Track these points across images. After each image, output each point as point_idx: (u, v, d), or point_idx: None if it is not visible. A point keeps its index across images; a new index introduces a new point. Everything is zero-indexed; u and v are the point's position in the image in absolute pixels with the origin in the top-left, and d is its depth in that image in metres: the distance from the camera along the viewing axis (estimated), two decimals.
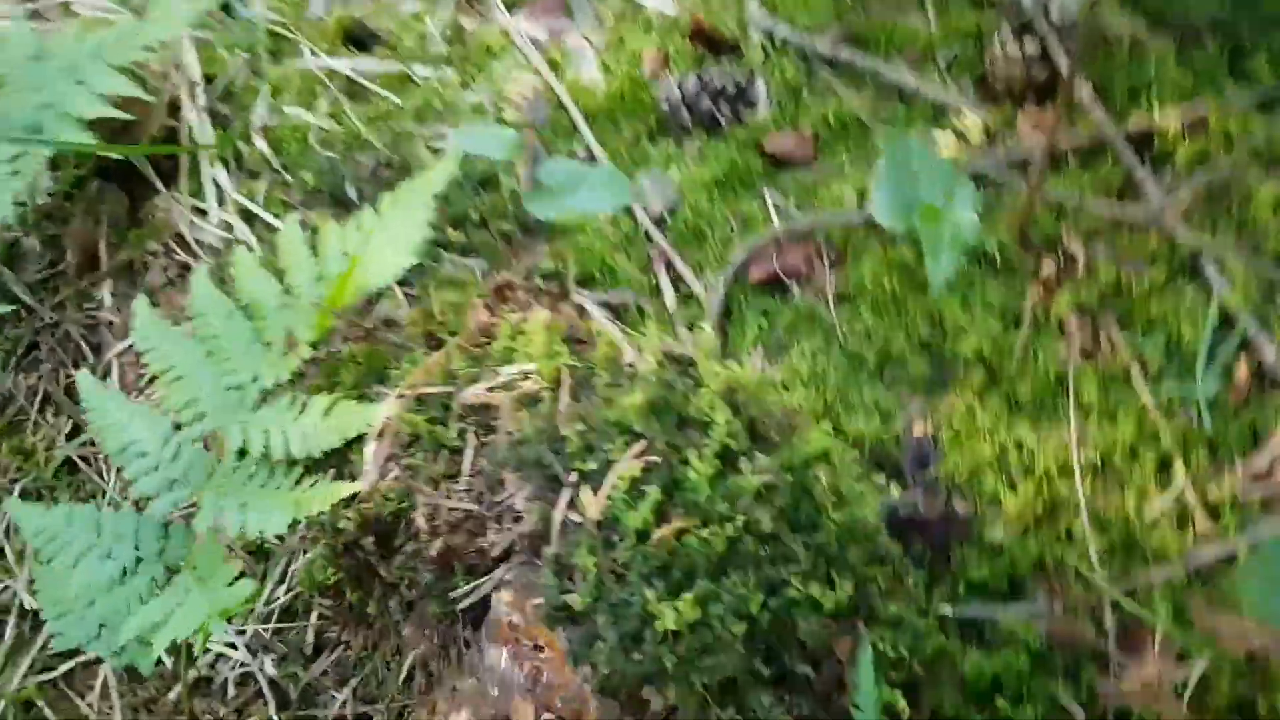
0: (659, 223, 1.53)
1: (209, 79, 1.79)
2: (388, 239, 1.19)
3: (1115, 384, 1.29)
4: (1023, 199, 1.35)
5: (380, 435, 1.08)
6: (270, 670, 1.31)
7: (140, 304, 1.25)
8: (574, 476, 0.98)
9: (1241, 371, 1.26)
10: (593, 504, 0.96)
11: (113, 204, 1.77)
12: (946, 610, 1.21)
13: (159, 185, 1.72)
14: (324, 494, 1.06)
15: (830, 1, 1.67)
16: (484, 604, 1.04)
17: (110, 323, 1.67)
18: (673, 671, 0.92)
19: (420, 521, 1.03)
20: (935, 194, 1.10)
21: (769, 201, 1.50)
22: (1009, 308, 1.35)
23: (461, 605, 1.04)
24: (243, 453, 1.14)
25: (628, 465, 0.96)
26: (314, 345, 1.16)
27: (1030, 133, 1.45)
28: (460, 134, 1.26)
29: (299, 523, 1.09)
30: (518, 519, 0.99)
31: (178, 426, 1.18)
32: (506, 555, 1.00)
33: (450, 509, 1.03)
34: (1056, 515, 1.23)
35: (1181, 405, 1.27)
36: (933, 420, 1.31)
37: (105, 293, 1.70)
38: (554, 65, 1.70)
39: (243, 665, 1.33)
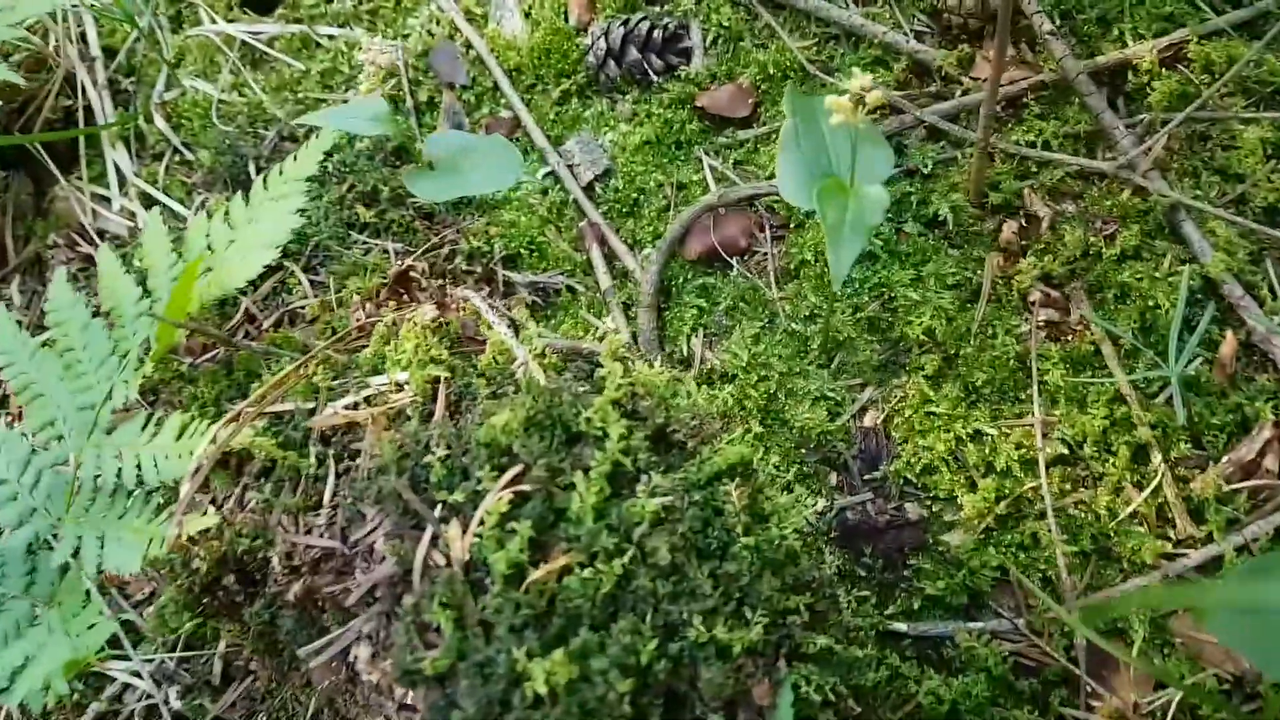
0: (590, 191, 1.31)
1: (108, 52, 1.55)
2: (254, 232, 0.99)
3: (1084, 364, 1.08)
4: (976, 148, 1.12)
5: (196, 470, 0.88)
6: (175, 703, 1.15)
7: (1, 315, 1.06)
8: (439, 510, 0.79)
9: (1227, 347, 1.04)
10: (458, 543, 0.77)
11: (18, 193, 1.55)
12: (901, 626, 1.03)
13: (57, 173, 1.49)
14: (168, 532, 0.88)
15: None
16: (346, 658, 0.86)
17: (19, 322, 1.46)
18: None
19: (277, 563, 0.85)
20: (845, 162, 0.86)
21: (706, 165, 1.27)
22: (965, 280, 1.13)
23: (318, 660, 0.85)
24: (98, 479, 0.96)
25: (497, 497, 0.77)
26: (156, 359, 0.97)
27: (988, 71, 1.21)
28: (326, 112, 1.03)
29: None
30: (381, 559, 0.80)
31: (35, 451, 1.00)
32: (371, 598, 0.81)
33: (309, 546, 0.84)
34: (1020, 517, 1.04)
35: (1160, 386, 1.06)
36: (884, 410, 1.10)
37: (14, 290, 1.49)
38: (473, 17, 1.45)
39: (148, 697, 1.17)
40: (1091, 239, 1.11)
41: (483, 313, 0.96)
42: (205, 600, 0.93)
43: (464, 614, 0.76)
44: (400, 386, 0.89)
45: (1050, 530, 1.01)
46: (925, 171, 1.18)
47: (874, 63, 1.28)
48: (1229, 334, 1.05)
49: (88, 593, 0.97)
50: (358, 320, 0.99)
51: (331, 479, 0.86)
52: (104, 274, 1.05)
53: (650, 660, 0.76)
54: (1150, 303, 1.07)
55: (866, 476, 1.08)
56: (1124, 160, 1.10)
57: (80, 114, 1.52)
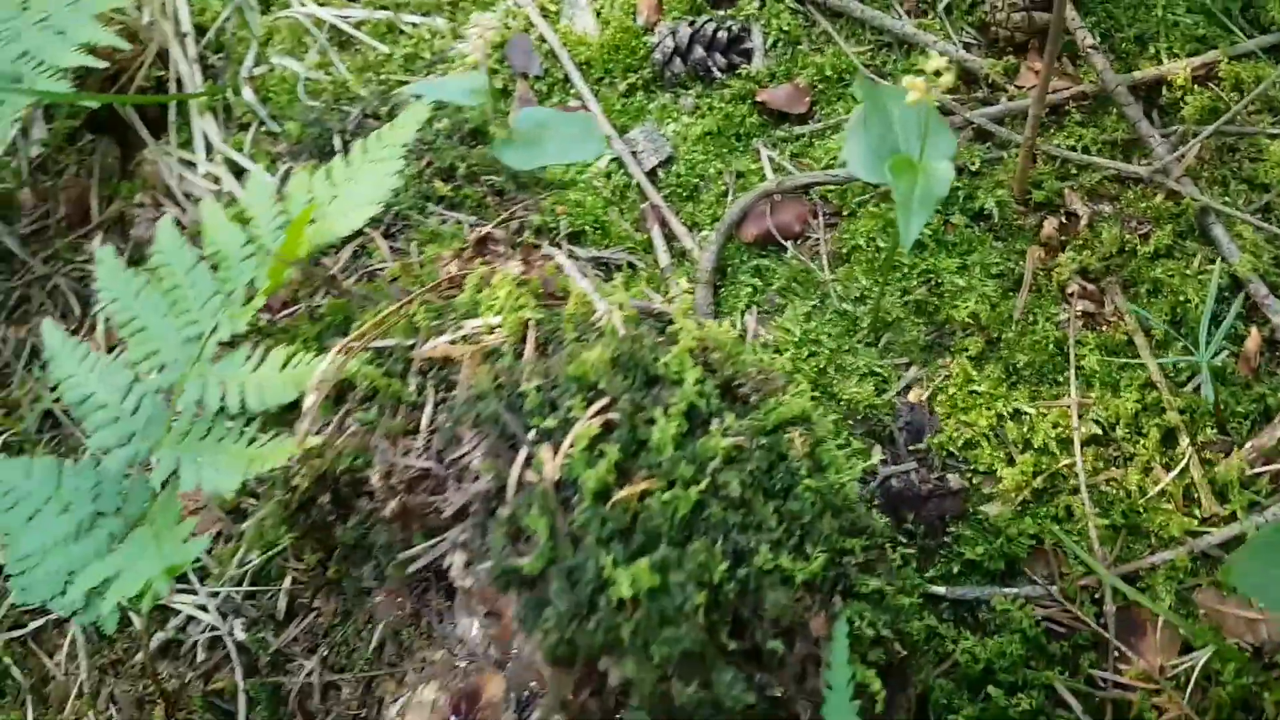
0: (652, 176, 1.32)
1: (199, 29, 1.56)
2: (355, 189, 1.00)
3: (1118, 352, 1.09)
4: (1022, 152, 1.14)
5: (318, 387, 0.89)
6: (240, 634, 1.15)
7: (105, 253, 1.07)
8: (532, 434, 0.80)
9: (1252, 341, 1.06)
10: (550, 463, 0.78)
11: (105, 155, 1.56)
12: (940, 590, 1.04)
13: (147, 137, 1.50)
14: (277, 450, 0.88)
15: None
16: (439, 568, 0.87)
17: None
18: (629, 642, 0.74)
19: (376, 480, 0.86)
20: (912, 143, 0.89)
21: (764, 156, 1.29)
22: (1008, 270, 1.15)
23: (415, 567, 0.86)
24: (200, 405, 0.97)
25: (587, 423, 0.78)
26: (269, 294, 0.97)
27: (1034, 80, 1.23)
28: (425, 84, 1.04)
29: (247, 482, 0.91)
30: (475, 478, 0.81)
31: (138, 379, 1.00)
32: (463, 514, 0.82)
33: (407, 467, 0.85)
34: (1055, 491, 1.05)
35: (1188, 376, 1.07)
36: (928, 387, 1.12)
37: (96, 246, 1.50)
38: (546, 13, 1.47)
39: (213, 629, 1.17)
40: (1127, 236, 1.13)
41: (565, 269, 0.97)
42: (301, 516, 0.95)
43: (555, 524, 0.77)
44: (493, 329, 0.90)
45: (1084, 504, 1.03)
46: (973, 169, 1.20)
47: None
48: (1254, 330, 1.07)
49: (179, 513, 0.97)
50: (447, 273, 1.00)
51: (429, 407, 0.87)
52: (208, 223, 1.06)
53: (721, 580, 0.77)
54: (1181, 297, 1.09)
55: (911, 447, 1.09)
56: (1158, 165, 1.12)
57: (171, 85, 1.53)
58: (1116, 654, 0.97)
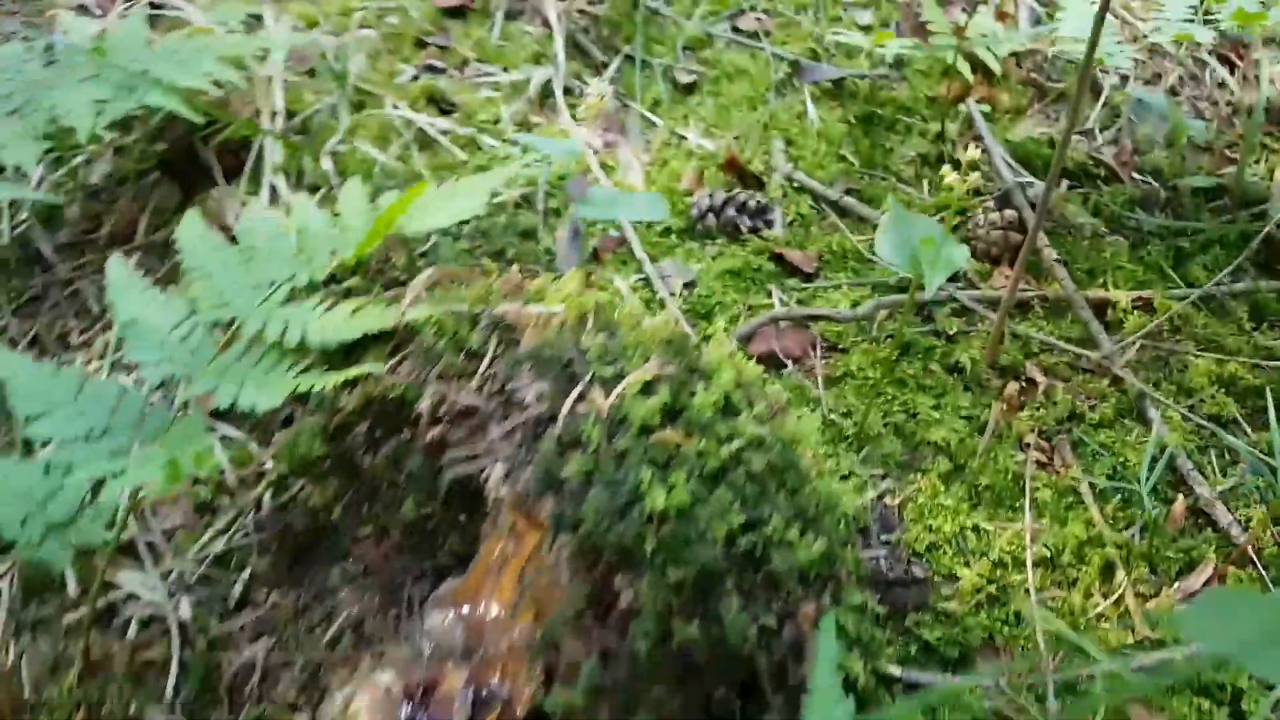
0: (674, 295, 1.50)
1: (290, 114, 1.77)
2: (444, 200, 1.14)
3: (1066, 495, 1.24)
4: (994, 328, 1.35)
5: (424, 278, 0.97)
6: (185, 613, 1.11)
7: (192, 213, 1.16)
8: (589, 376, 0.89)
9: (1178, 506, 1.22)
10: (603, 400, 0.86)
11: (164, 195, 1.69)
12: (896, 671, 1.09)
13: (220, 179, 1.65)
14: (327, 377, 0.93)
15: (843, 166, 1.73)
16: (467, 488, 0.91)
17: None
18: (651, 556, 0.79)
19: (425, 406, 0.92)
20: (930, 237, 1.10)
21: (775, 296, 1.48)
22: (975, 416, 1.32)
23: (450, 476, 0.91)
24: (256, 342, 1.02)
25: (642, 373, 0.88)
26: (356, 263, 1.07)
27: (1005, 281, 1.47)
28: (533, 137, 1.23)
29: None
30: (524, 409, 0.88)
31: (196, 312, 1.06)
32: (507, 437, 0.88)
33: (455, 401, 0.92)
34: (1007, 597, 1.15)
35: (1125, 523, 1.22)
36: (899, 496, 1.24)
37: (131, 262, 1.59)
38: (604, 166, 1.72)
39: (153, 607, 1.14)
40: (1077, 404, 1.32)
41: (622, 291, 1.11)
42: (336, 442, 0.99)
43: (603, 441, 0.84)
44: (554, 314, 1.02)
45: (1032, 610, 1.12)
46: (950, 334, 1.40)
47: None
48: (1180, 496, 1.23)
49: (198, 434, 0.98)
50: (517, 278, 1.12)
51: (489, 356, 0.96)
52: (297, 208, 1.18)
53: (735, 532, 0.84)
54: (1120, 459, 1.26)
55: (882, 538, 1.19)
56: (1106, 352, 1.34)
57: (254, 151, 1.70)
58: None
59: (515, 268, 1.19)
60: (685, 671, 0.83)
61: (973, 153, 1.05)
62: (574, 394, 0.89)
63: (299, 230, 1.14)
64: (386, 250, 1.31)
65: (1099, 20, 1.12)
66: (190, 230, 1.15)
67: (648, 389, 0.89)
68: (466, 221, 1.51)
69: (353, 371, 0.95)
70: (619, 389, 0.88)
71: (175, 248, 1.13)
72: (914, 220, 1.11)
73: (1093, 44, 1.13)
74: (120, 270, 1.12)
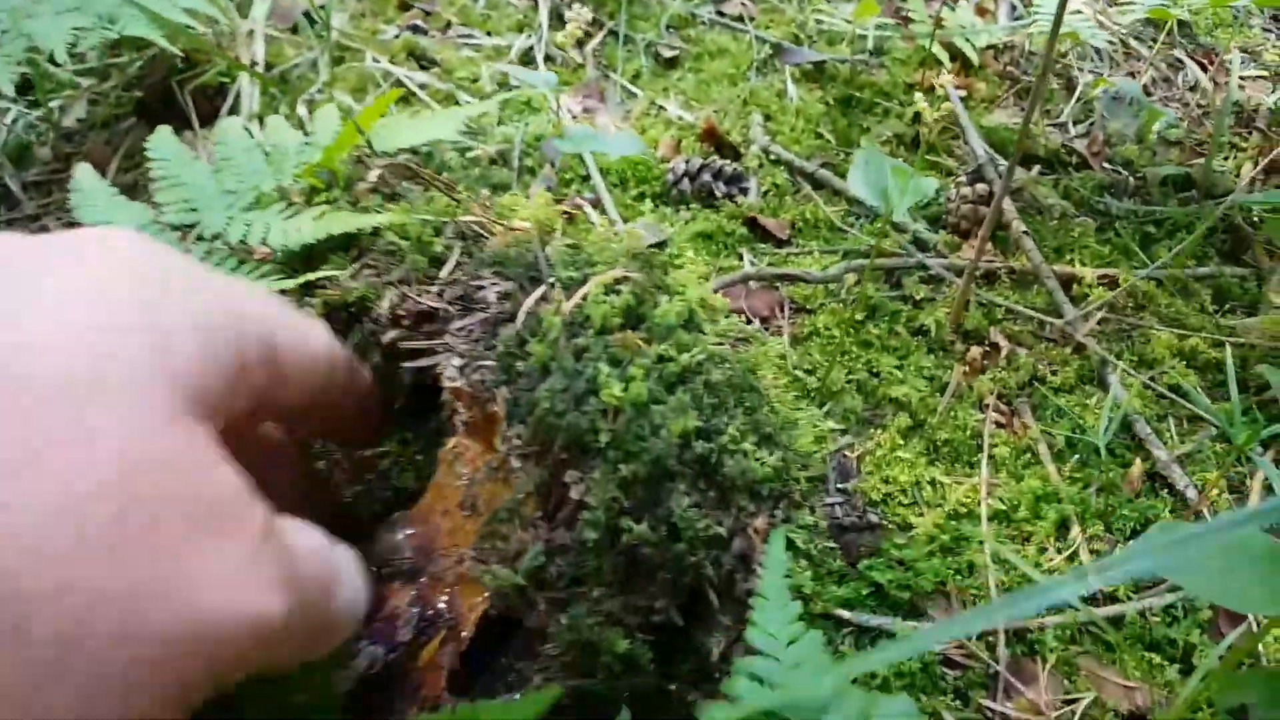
0: None
1: (269, 66, 1.77)
2: (416, 122, 1.15)
3: (1024, 453, 1.25)
4: (959, 291, 1.36)
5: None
6: None
7: (164, 128, 1.16)
8: (553, 280, 0.89)
9: (1135, 469, 1.23)
10: (565, 302, 0.86)
11: (137, 138, 1.68)
12: (845, 614, 1.09)
13: (195, 125, 1.65)
14: (286, 282, 0.93)
15: (820, 142, 1.74)
16: (427, 390, 0.90)
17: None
18: (605, 449, 0.78)
19: (383, 308, 0.91)
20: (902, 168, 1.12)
21: (745, 258, 1.49)
22: (938, 377, 1.32)
23: (408, 376, 0.90)
24: (218, 239, 1.02)
25: (608, 276, 0.87)
26: (334, 178, 1.07)
27: (972, 251, 1.48)
28: (513, 69, 1.24)
29: None
30: (486, 308, 0.87)
31: (159, 217, 1.06)
32: (465, 332, 0.87)
33: (416, 302, 0.91)
34: (961, 547, 1.15)
35: (1082, 482, 1.22)
36: (859, 450, 1.24)
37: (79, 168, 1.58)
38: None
39: None
40: (1039, 368, 1.32)
41: (589, 214, 1.11)
42: None
43: (561, 339, 0.84)
44: (523, 225, 1.02)
45: (986, 560, 1.12)
46: (917, 298, 1.41)
47: (885, 228, 1.55)
48: (1138, 460, 1.24)
49: None
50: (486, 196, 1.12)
51: (453, 261, 0.95)
52: (270, 124, 1.18)
53: (690, 434, 0.84)
54: (1080, 422, 1.27)
55: (839, 486, 1.19)
56: (1069, 319, 1.35)
57: (230, 97, 1.71)
58: (1005, 688, 1.02)
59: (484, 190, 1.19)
60: (630, 573, 0.82)
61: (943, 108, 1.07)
62: (536, 294, 0.88)
63: (272, 145, 1.14)
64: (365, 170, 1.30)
65: (1061, 4, 1.14)
66: (162, 142, 1.15)
67: (611, 293, 0.89)
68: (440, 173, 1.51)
69: (314, 275, 0.95)
70: (583, 290, 0.88)
71: (146, 158, 1.12)
72: (885, 164, 1.12)
73: (1056, 23, 1.15)
74: (88, 176, 1.12)
